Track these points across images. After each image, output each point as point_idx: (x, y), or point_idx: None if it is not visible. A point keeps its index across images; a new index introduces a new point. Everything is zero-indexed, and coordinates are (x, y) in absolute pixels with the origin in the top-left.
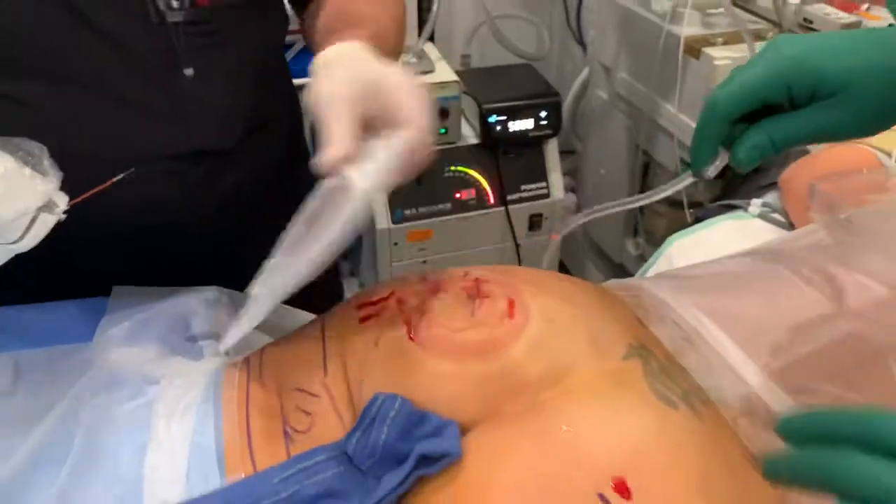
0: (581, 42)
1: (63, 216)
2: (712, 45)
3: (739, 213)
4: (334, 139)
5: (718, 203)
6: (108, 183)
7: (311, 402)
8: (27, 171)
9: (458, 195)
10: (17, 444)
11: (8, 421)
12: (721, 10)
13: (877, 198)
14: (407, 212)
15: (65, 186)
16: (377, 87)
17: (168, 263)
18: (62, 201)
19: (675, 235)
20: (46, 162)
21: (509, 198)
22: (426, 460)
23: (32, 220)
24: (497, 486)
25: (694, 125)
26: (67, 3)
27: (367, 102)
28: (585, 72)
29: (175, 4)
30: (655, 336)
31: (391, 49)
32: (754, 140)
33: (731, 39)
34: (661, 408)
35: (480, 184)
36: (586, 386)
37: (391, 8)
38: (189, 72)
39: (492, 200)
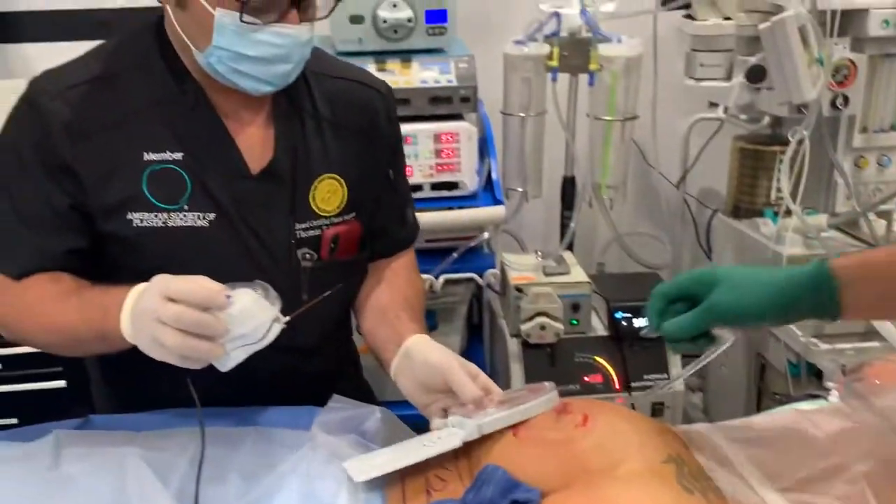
0: (710, 258)
1: (285, 326)
2: None
3: (821, 401)
4: (471, 391)
5: (805, 393)
6: (319, 299)
7: (445, 473)
8: (262, 300)
9: (586, 378)
10: (251, 487)
11: (246, 470)
12: (825, 234)
13: None
14: (526, 386)
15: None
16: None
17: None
18: (283, 318)
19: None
20: (272, 295)
21: (633, 385)
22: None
23: (269, 329)
24: None
25: (799, 333)
26: (246, 248)
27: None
28: None
29: (308, 257)
30: (692, 455)
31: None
32: (678, 321)
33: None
34: (681, 492)
35: (607, 370)
36: (630, 475)
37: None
38: (304, 297)
39: (617, 386)
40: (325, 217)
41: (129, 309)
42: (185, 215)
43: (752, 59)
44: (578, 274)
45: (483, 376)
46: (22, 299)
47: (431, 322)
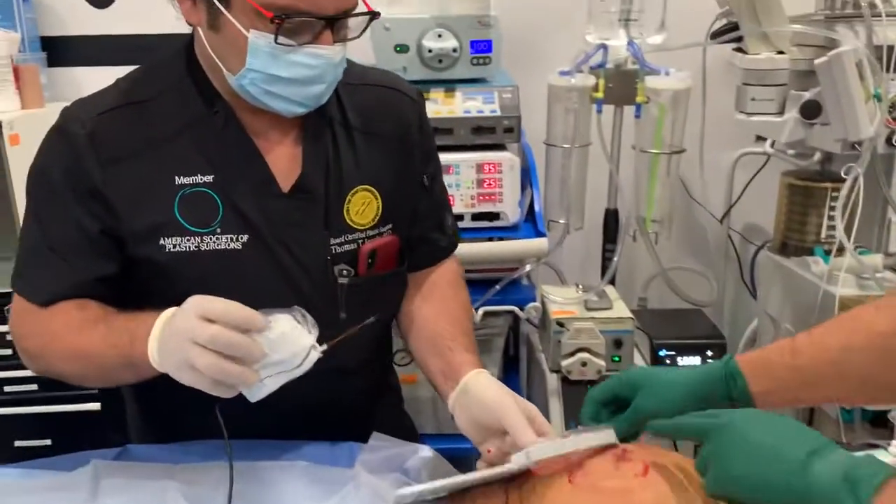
0: (754, 294)
1: (321, 355)
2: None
3: (881, 452)
4: (527, 436)
5: (862, 443)
6: (358, 328)
7: None
8: (300, 326)
9: None
10: None
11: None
12: (879, 274)
13: None
14: (580, 427)
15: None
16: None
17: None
18: (320, 346)
19: None
20: (309, 322)
21: None
22: None
23: (306, 356)
24: None
25: None
26: (281, 268)
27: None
28: (756, 322)
29: (345, 273)
30: None
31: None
32: (608, 424)
33: None
34: None
35: None
36: None
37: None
38: (343, 316)
39: None
40: (361, 230)
41: (157, 333)
42: (218, 238)
43: (806, 95)
44: (621, 309)
45: (541, 418)
46: (47, 327)
47: None
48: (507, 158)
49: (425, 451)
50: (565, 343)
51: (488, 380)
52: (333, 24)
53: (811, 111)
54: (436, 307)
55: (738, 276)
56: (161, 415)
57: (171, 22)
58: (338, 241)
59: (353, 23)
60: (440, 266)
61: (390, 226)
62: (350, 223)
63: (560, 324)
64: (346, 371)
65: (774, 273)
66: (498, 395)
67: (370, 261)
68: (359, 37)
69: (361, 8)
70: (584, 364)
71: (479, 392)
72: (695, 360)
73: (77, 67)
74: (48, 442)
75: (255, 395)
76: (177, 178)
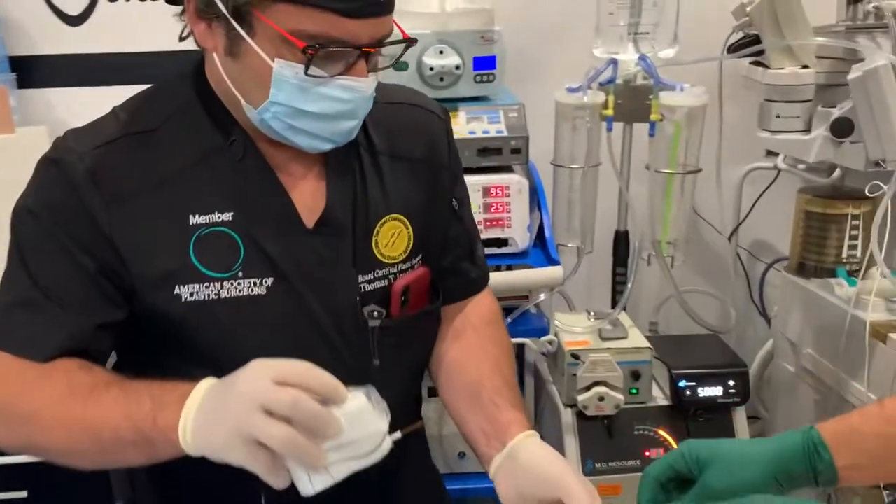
0: (764, 314)
1: (398, 440)
2: None
3: None
4: None
5: None
6: (418, 424)
7: None
8: (372, 407)
9: (647, 454)
10: None
11: None
12: None
13: None
14: (598, 465)
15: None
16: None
17: None
18: (395, 434)
19: None
20: (382, 406)
21: None
22: None
23: (380, 443)
24: None
25: None
26: (308, 314)
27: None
28: (769, 344)
29: (376, 315)
30: None
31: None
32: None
33: None
34: None
35: (670, 444)
36: None
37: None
38: (376, 363)
39: None
40: (392, 265)
41: (197, 402)
42: (240, 283)
43: (835, 111)
44: (637, 338)
45: (597, 497)
46: (41, 389)
47: None
48: (516, 181)
49: None
50: (581, 377)
51: (541, 446)
52: (368, 54)
53: (843, 129)
54: (472, 351)
55: (748, 296)
56: (172, 481)
57: (152, 39)
58: (367, 277)
59: (387, 50)
60: (473, 302)
61: (421, 257)
62: (380, 257)
63: (575, 356)
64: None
65: (793, 295)
66: (556, 466)
67: (403, 298)
68: (392, 66)
69: (396, 34)
70: (601, 399)
71: (531, 460)
72: (716, 391)
73: (50, 89)
74: (24, 494)
75: (316, 484)
76: (191, 216)
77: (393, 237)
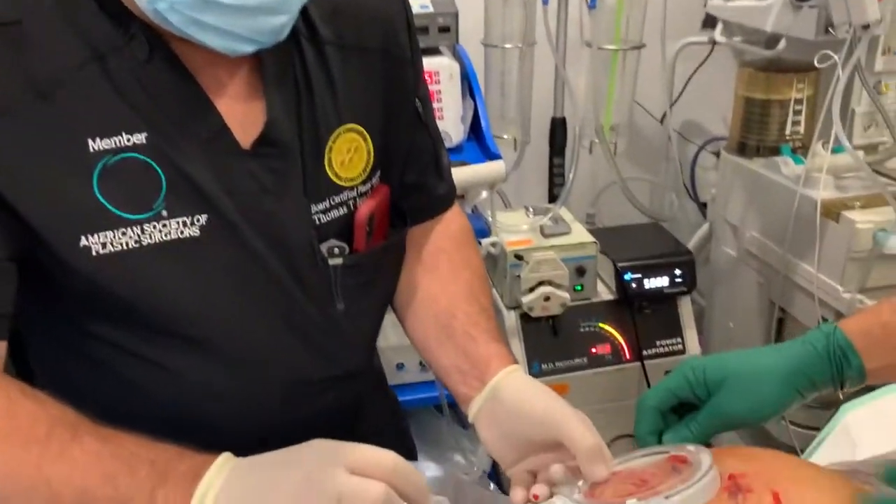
0: (695, 199)
1: None
2: (850, 208)
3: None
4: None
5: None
6: None
7: None
8: None
9: (593, 350)
10: None
11: None
12: (853, 174)
13: None
14: (544, 366)
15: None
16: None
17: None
18: None
19: (847, 406)
20: None
21: (645, 353)
22: None
23: None
24: None
25: (837, 285)
26: (253, 256)
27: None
28: (703, 229)
29: (337, 251)
30: None
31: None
32: (679, 433)
33: (868, 203)
34: None
35: (616, 339)
36: None
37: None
38: (340, 307)
39: (627, 356)
40: (350, 188)
41: (217, 483)
42: (165, 224)
43: None
44: (581, 233)
45: (593, 430)
46: None
47: None
48: (446, 65)
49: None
50: (525, 278)
51: (527, 382)
52: None
53: None
54: (444, 277)
55: (679, 181)
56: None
57: None
58: (321, 207)
59: None
60: (442, 221)
61: (378, 174)
62: (335, 180)
63: (518, 256)
64: (352, 375)
65: (734, 176)
66: (546, 403)
67: (368, 229)
68: None
69: None
70: (546, 299)
71: (516, 399)
72: (663, 281)
73: None
74: None
75: None
76: (90, 141)
77: (349, 153)
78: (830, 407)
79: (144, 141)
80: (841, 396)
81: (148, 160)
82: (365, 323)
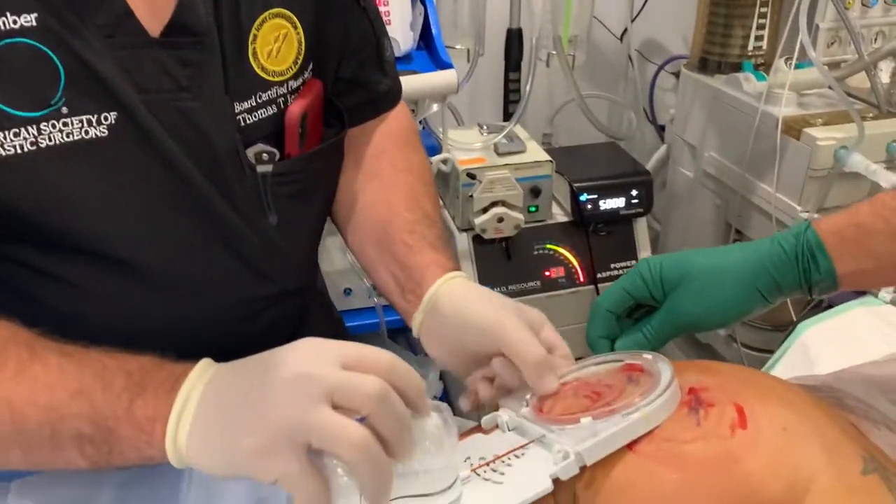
0: (653, 120)
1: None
2: (812, 125)
3: (869, 298)
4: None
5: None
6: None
7: None
8: (448, 432)
9: (547, 273)
10: None
11: None
12: (815, 91)
13: None
14: (498, 290)
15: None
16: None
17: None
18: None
19: (806, 322)
20: (454, 430)
21: (599, 276)
22: None
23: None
24: None
25: (795, 205)
26: (168, 162)
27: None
28: (661, 150)
29: (266, 156)
30: (876, 444)
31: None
32: (632, 336)
33: (830, 120)
34: None
35: (570, 262)
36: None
37: (426, 194)
38: (273, 220)
39: (581, 279)
40: (279, 83)
41: (199, 388)
42: (66, 122)
43: None
44: (536, 151)
45: (548, 328)
46: None
47: None
48: None
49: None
50: (478, 198)
51: (467, 289)
52: None
53: None
54: (385, 183)
55: (636, 100)
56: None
57: None
58: (246, 105)
59: None
60: (385, 121)
61: (311, 68)
62: (262, 74)
63: (471, 175)
64: (291, 293)
65: (694, 94)
66: (484, 310)
67: (301, 130)
68: None
69: None
70: (500, 220)
71: (455, 308)
72: (619, 202)
73: None
74: None
75: None
76: None
77: (277, 42)
78: (784, 328)
79: (34, 23)
80: (811, 296)
81: (40, 46)
82: (302, 237)
